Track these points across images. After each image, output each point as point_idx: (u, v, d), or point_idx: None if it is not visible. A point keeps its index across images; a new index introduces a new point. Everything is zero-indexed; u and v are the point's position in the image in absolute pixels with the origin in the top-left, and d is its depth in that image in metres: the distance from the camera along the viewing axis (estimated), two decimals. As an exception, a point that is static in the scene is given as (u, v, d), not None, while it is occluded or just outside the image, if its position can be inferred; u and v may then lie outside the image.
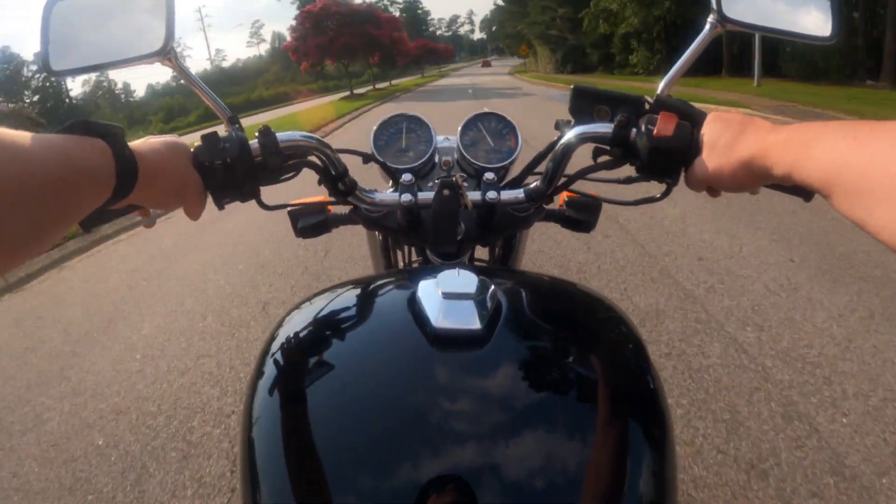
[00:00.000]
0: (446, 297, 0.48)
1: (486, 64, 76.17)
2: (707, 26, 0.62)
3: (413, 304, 0.50)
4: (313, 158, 0.63)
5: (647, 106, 0.59)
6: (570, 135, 0.61)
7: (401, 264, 0.98)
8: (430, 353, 0.47)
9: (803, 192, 0.55)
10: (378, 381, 0.46)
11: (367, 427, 0.43)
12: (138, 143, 0.49)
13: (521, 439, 0.41)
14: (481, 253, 0.94)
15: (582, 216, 0.76)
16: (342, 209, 0.76)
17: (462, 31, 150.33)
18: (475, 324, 0.46)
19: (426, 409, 0.43)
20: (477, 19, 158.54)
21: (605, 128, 0.59)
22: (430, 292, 0.49)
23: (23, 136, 0.36)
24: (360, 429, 0.43)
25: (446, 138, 0.82)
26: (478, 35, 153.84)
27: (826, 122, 0.40)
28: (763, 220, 3.41)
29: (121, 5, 0.67)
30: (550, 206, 0.75)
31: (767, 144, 0.44)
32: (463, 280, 0.49)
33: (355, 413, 0.44)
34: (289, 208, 0.76)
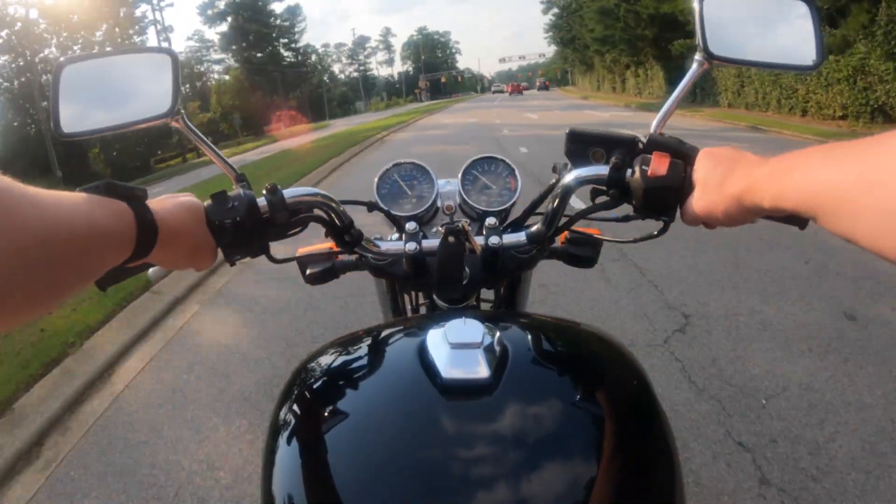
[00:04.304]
0: (454, 347, 0.49)
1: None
2: (694, 64, 0.64)
3: (422, 356, 0.51)
4: (319, 212, 0.65)
5: (640, 146, 0.60)
6: (567, 178, 0.63)
7: (408, 307, 0.99)
8: (441, 403, 0.48)
9: (796, 220, 0.56)
10: (392, 434, 0.47)
11: (383, 480, 0.44)
12: (158, 205, 0.49)
13: (532, 486, 0.42)
14: (487, 293, 0.94)
15: (584, 252, 0.77)
16: (349, 255, 0.77)
17: (374, 61, 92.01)
18: (483, 373, 0.48)
19: (438, 460, 0.44)
20: (398, 42, 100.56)
21: (601, 170, 0.60)
22: (438, 343, 0.51)
23: (48, 195, 0.36)
24: (376, 482, 0.44)
25: (447, 181, 0.84)
26: (399, 67, 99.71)
27: (805, 149, 0.41)
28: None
29: (128, 68, 0.69)
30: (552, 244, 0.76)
31: (754, 179, 0.45)
32: (469, 329, 0.51)
33: (371, 466, 0.45)
34: (297, 257, 0.78)
